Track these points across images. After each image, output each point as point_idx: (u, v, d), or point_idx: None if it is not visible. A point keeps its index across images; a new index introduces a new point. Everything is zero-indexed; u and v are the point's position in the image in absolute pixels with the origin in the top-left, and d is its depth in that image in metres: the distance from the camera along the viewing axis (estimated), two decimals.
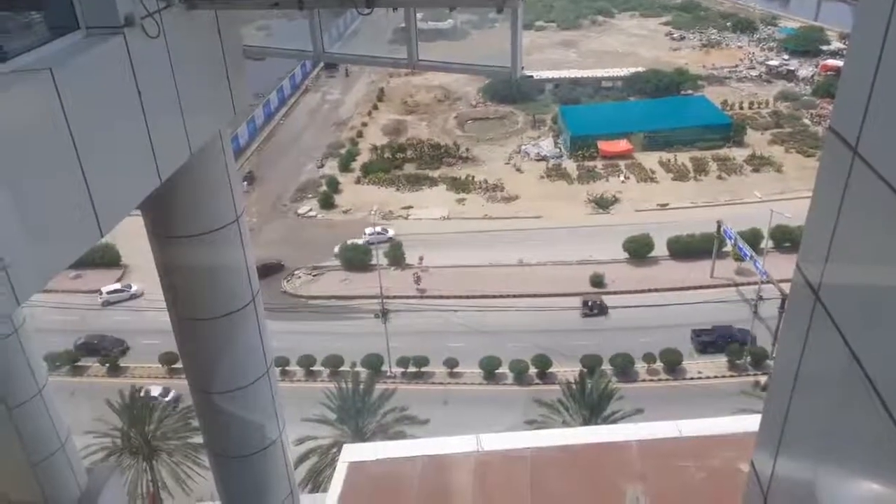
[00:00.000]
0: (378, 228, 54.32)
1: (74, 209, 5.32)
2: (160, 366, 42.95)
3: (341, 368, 42.55)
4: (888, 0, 2.75)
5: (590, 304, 46.25)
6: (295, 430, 27.36)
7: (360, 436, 32.99)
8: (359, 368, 42.24)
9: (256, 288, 9.09)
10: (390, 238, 53.80)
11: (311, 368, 43.25)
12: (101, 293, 49.08)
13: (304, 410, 32.62)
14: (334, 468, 10.88)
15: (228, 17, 7.35)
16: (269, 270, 48.84)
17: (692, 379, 41.77)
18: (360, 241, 53.30)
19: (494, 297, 47.25)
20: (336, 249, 52.85)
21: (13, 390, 11.61)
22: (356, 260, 51.33)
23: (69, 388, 40.66)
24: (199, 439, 30.24)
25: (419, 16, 7.18)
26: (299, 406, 31.66)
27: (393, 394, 36.22)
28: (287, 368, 42.64)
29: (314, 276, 51.66)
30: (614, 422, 32.53)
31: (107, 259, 49.94)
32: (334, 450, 31.06)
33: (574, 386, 35.59)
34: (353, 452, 11.11)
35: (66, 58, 5.28)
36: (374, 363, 42.60)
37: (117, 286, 49.08)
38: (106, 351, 44.33)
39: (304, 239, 54.90)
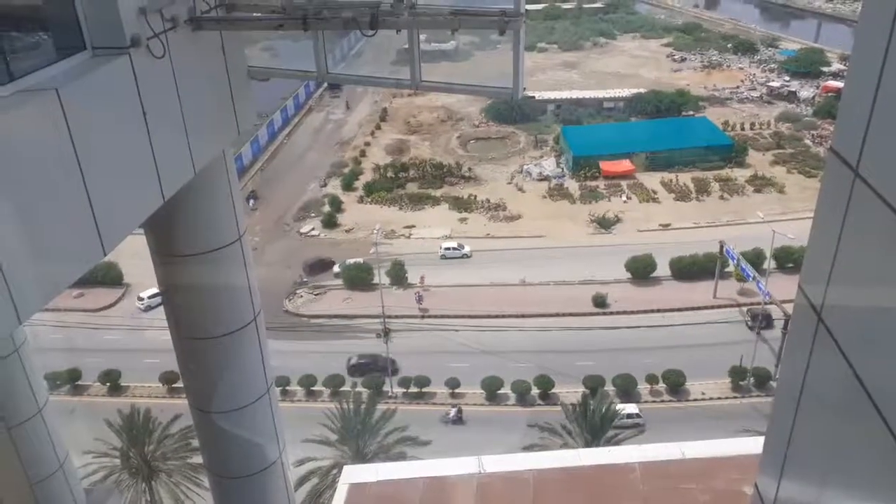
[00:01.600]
0: (454, 244, 54.41)
1: (77, 227, 5.34)
2: (160, 385, 42.79)
3: (342, 388, 42.36)
4: (888, 22, 2.77)
5: (759, 316, 45.43)
6: (295, 451, 27.25)
7: (361, 457, 32.75)
8: (360, 388, 42.05)
9: (258, 307, 9.09)
10: (465, 255, 53.78)
11: (312, 388, 43.04)
12: (142, 299, 49.12)
13: (304, 431, 32.43)
14: (335, 490, 10.79)
15: (233, 38, 7.43)
16: (322, 266, 53.12)
17: (695, 400, 41.53)
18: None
19: (497, 316, 47.13)
20: (336, 268, 52.98)
21: (13, 409, 11.57)
22: (358, 279, 51.32)
23: (69, 406, 40.58)
24: (198, 459, 30.06)
25: (422, 37, 7.25)
26: (300, 426, 31.47)
27: (394, 414, 36.02)
28: (288, 388, 42.44)
29: (316, 294, 51.62)
30: (617, 443, 32.28)
31: (109, 277, 49.98)
32: (335, 471, 30.84)
33: (577, 408, 35.35)
34: (354, 474, 11.00)
35: (72, 78, 5.33)
36: (375, 383, 42.40)
37: (155, 290, 48.97)
38: (381, 371, 43.29)
39: (306, 258, 54.88)
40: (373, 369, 43.46)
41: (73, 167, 5.18)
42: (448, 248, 54.12)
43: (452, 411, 40.52)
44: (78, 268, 5.54)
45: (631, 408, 39.95)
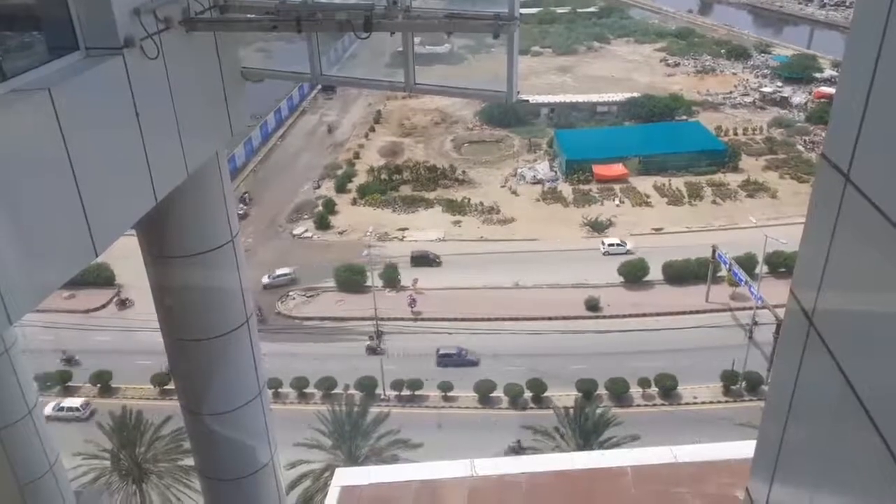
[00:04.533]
0: (617, 240, 53.88)
1: (69, 228, 5.31)
2: (152, 386, 42.59)
3: (335, 391, 42.26)
4: (879, 28, 2.79)
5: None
6: (287, 453, 27.17)
7: (353, 459, 32.69)
8: (352, 391, 41.95)
9: (251, 309, 9.07)
10: (628, 251, 53.20)
11: (305, 391, 42.93)
12: None
13: (296, 434, 32.33)
14: (326, 492, 10.76)
15: (227, 40, 7.41)
16: (424, 261, 53.08)
17: (688, 404, 41.62)
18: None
19: (489, 320, 47.13)
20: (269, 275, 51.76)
21: (3, 411, 11.50)
22: (351, 281, 51.23)
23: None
24: (190, 461, 29.92)
25: (417, 40, 7.25)
26: (292, 429, 31.35)
27: (387, 417, 35.97)
28: (280, 390, 42.33)
29: (309, 297, 51.50)
30: (610, 447, 32.31)
31: (101, 279, 49.76)
32: (327, 474, 30.76)
33: (570, 411, 35.36)
34: (346, 476, 10.98)
35: (65, 78, 5.31)
36: (367, 386, 42.32)
37: None
38: None
39: (299, 260, 54.78)
40: None
41: (65, 167, 5.15)
42: (611, 245, 53.68)
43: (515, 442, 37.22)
44: (69, 269, 5.50)
45: None
